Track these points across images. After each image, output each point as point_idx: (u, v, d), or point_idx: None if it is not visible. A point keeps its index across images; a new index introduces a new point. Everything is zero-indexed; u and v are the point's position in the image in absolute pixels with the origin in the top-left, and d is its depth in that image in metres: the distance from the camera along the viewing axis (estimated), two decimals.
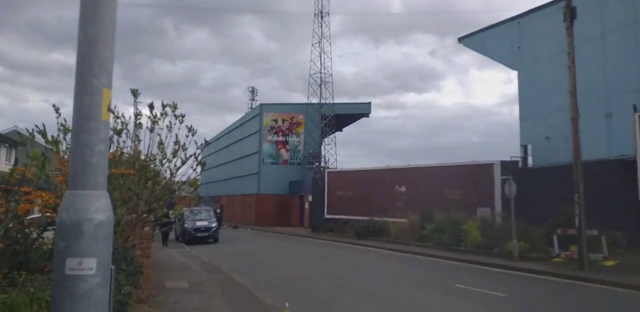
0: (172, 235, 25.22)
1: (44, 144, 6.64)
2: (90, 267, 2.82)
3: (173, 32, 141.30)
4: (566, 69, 16.58)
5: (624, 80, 22.00)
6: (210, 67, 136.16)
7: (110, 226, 3.02)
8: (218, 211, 37.06)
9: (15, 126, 35.21)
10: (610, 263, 14.40)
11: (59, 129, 6.87)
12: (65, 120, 7.10)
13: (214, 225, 26.58)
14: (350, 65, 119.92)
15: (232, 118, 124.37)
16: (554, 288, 11.98)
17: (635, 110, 18.32)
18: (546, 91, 25.60)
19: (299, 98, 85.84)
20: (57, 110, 6.96)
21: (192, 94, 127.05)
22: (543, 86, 25.89)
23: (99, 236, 2.89)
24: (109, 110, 3.16)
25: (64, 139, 6.92)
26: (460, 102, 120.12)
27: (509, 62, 29.26)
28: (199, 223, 25.21)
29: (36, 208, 6.02)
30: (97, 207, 2.92)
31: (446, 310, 9.02)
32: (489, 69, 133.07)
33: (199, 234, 25.48)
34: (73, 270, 2.80)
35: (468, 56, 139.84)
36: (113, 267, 3.02)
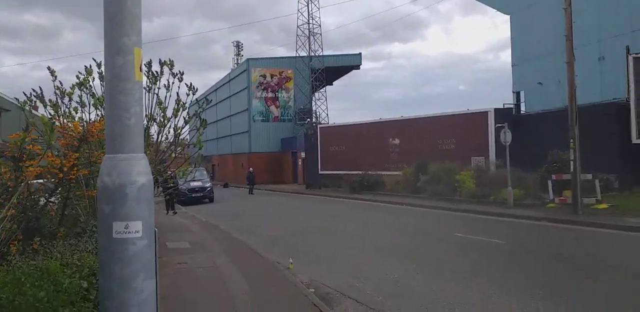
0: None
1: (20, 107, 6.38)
2: (136, 229, 2.85)
3: None
4: (560, 11, 16.10)
5: (617, 23, 21.55)
6: (188, 24, 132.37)
7: (151, 188, 3.01)
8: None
9: None
10: (603, 206, 14.64)
11: (55, 93, 6.61)
12: (61, 84, 6.82)
13: (208, 185, 26.58)
14: (333, 17, 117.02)
15: (215, 75, 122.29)
16: (550, 233, 12.17)
17: (628, 52, 18.06)
18: (539, 36, 25.12)
19: (283, 53, 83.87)
20: (52, 73, 6.64)
21: (172, 52, 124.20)
22: (536, 31, 25.35)
23: (142, 198, 2.89)
24: (141, 69, 3.04)
25: (62, 102, 6.69)
26: (446, 51, 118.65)
27: (502, 7, 28.48)
28: (193, 183, 25.16)
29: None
30: (138, 170, 2.90)
31: (449, 258, 9.13)
32: (474, 15, 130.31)
33: (193, 195, 25.50)
34: (120, 233, 2.83)
35: (452, 3, 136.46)
36: (156, 229, 3.02)
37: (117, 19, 2.90)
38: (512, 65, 27.89)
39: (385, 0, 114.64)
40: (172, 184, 9.70)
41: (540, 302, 6.21)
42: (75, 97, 7.10)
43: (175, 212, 19.33)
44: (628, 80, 17.51)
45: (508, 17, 28.15)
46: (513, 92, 27.67)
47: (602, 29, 22.18)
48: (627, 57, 17.75)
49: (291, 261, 8.84)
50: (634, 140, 17.16)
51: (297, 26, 43.16)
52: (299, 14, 43.27)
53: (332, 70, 44.15)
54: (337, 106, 78.70)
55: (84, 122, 7.11)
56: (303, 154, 34.90)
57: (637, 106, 17.24)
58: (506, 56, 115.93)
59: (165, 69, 7.23)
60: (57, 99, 6.82)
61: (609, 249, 10.10)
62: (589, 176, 15.17)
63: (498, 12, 29.17)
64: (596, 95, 20.92)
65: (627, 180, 16.98)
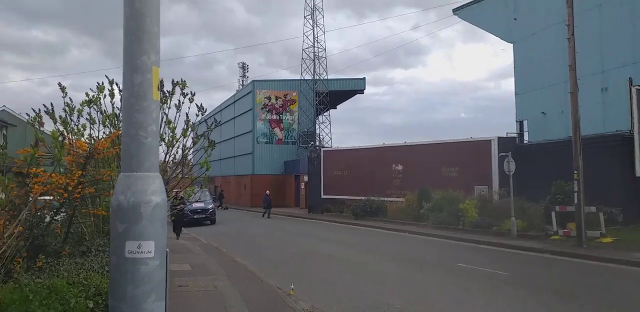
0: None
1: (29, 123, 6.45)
2: (149, 250, 2.85)
3: None
4: (563, 41, 16.33)
5: (620, 54, 21.80)
6: (192, 43, 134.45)
7: (165, 208, 3.02)
8: (212, 193, 36.63)
9: (4, 106, 34.47)
10: (607, 240, 14.51)
11: (64, 110, 6.68)
12: (71, 100, 6.91)
13: (210, 206, 26.50)
14: (335, 41, 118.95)
15: (219, 96, 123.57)
16: (554, 266, 12.04)
17: (631, 83, 18.22)
18: (542, 65, 25.36)
19: (287, 75, 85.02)
20: (63, 89, 6.73)
21: (176, 72, 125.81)
22: (539, 60, 25.62)
23: (156, 218, 2.90)
24: (158, 89, 3.07)
25: (70, 119, 6.76)
26: (447, 78, 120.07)
27: (505, 35, 28.86)
28: (195, 205, 25.09)
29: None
30: (153, 190, 2.91)
31: (452, 290, 9.02)
32: (475, 43, 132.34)
33: (195, 216, 25.39)
34: (133, 253, 2.82)
35: (453, 30, 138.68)
36: (167, 249, 3.02)
37: (136, 37, 2.95)
38: (515, 94, 28.08)
39: (386, 26, 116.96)
40: (179, 203, 9.67)
41: None
42: (85, 114, 7.18)
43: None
44: (631, 112, 17.60)
45: (509, 45, 28.50)
46: (516, 121, 27.79)
47: (605, 59, 22.43)
48: (630, 88, 17.90)
49: (292, 286, 8.77)
50: (638, 174, 17.15)
51: (303, 49, 43.71)
52: (304, 37, 43.86)
53: (336, 94, 44.47)
54: (339, 130, 79.35)
55: (92, 139, 7.17)
56: (306, 178, 34.87)
57: None
58: (507, 84, 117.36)
59: (177, 88, 7.32)
60: (66, 115, 6.89)
61: (612, 284, 9.98)
62: (593, 209, 15.09)
63: (499, 40, 29.54)
64: (599, 126, 21.01)
65: (631, 214, 16.89)
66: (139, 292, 2.83)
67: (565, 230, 15.50)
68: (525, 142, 25.58)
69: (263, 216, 30.77)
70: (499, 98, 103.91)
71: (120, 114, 6.50)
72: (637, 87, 17.72)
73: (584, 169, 14.76)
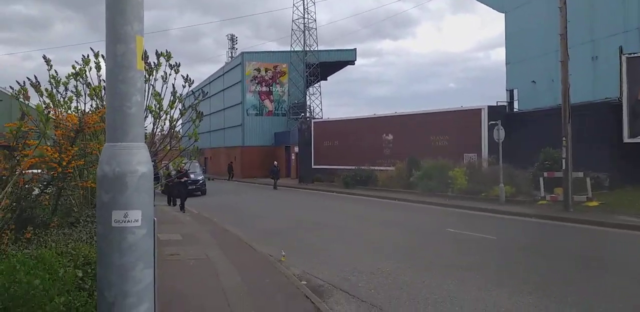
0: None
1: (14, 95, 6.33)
2: (136, 218, 2.85)
3: None
4: (554, 10, 16.19)
5: (610, 23, 21.67)
6: (177, 17, 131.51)
7: (151, 177, 3.01)
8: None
9: None
10: (594, 203, 14.80)
11: (50, 82, 6.55)
12: (56, 72, 6.77)
13: (200, 178, 26.52)
14: (323, 13, 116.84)
15: (206, 69, 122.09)
16: (541, 230, 12.29)
17: (621, 52, 18.20)
18: (533, 34, 25.21)
19: (275, 47, 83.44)
20: (47, 62, 6.58)
21: (162, 45, 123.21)
22: (530, 29, 25.44)
23: (142, 187, 2.89)
24: (142, 58, 3.01)
25: (57, 91, 6.63)
26: (436, 49, 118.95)
27: (497, 4, 28.52)
28: (192, 176, 25.03)
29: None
30: (138, 159, 2.90)
31: (441, 254, 9.20)
32: (464, 14, 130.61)
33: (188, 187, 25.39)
34: (119, 222, 2.83)
35: (442, 1, 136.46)
36: (155, 218, 3.01)
37: (119, 6, 2.88)
38: (506, 64, 27.98)
39: None
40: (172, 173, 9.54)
41: (530, 296, 6.30)
42: (70, 87, 7.06)
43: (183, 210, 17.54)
44: (621, 80, 17.66)
45: (498, 15, 28.23)
46: (506, 90, 27.79)
47: (596, 28, 22.31)
48: (620, 57, 17.90)
49: (283, 253, 8.88)
50: (625, 140, 17.34)
51: (292, 20, 43.00)
52: (294, 8, 43.06)
53: (327, 66, 44.05)
54: (330, 102, 79.01)
55: (80, 112, 7.08)
56: (296, 149, 34.88)
57: (629, 106, 17.41)
58: (496, 55, 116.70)
59: (162, 60, 7.19)
60: (52, 88, 6.77)
61: (598, 246, 10.23)
62: (580, 174, 15.31)
63: (488, 11, 29.21)
64: (589, 94, 21.06)
65: (617, 178, 17.15)
66: (126, 260, 2.84)
67: (553, 195, 15.76)
68: (515, 110, 25.64)
69: (274, 187, 29.73)
70: (488, 68, 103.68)
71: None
72: (627, 55, 17.71)
73: (573, 136, 14.89)
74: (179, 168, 8.12)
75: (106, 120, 3.00)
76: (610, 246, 10.17)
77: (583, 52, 22.06)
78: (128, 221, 2.84)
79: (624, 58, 17.68)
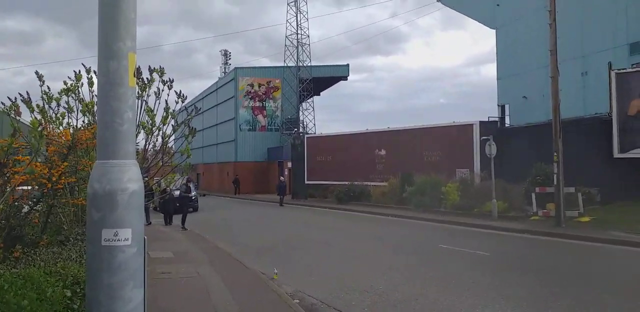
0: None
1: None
2: (126, 237, 2.82)
3: None
4: (545, 26, 16.43)
5: (600, 39, 22.03)
6: (171, 33, 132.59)
7: (142, 195, 2.98)
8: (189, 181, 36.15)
9: None
10: (585, 219, 14.84)
11: (42, 98, 6.54)
12: (49, 88, 6.77)
13: (192, 194, 26.33)
14: (315, 29, 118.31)
15: (198, 84, 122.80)
16: (534, 245, 12.29)
17: (610, 67, 18.46)
18: (524, 50, 25.56)
19: (267, 63, 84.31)
20: (40, 77, 6.57)
21: (154, 61, 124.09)
22: (521, 45, 25.81)
23: (132, 205, 2.87)
24: (135, 75, 3.02)
25: (50, 107, 6.62)
26: (427, 65, 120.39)
27: (487, 21, 28.95)
28: (176, 192, 24.90)
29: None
30: (129, 177, 2.88)
31: (434, 271, 9.15)
32: (454, 30, 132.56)
33: (177, 204, 25.21)
34: (109, 241, 2.80)
35: (431, 18, 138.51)
36: (145, 237, 2.99)
37: (113, 23, 2.89)
38: (497, 79, 28.29)
39: (366, 14, 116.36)
40: (159, 189, 9.45)
41: None
42: (62, 103, 7.05)
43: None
44: (610, 95, 17.88)
45: (488, 32, 28.67)
46: (498, 105, 28.04)
47: (586, 44, 22.67)
48: (609, 72, 18.15)
49: (276, 271, 8.80)
50: (616, 155, 17.48)
51: (286, 36, 43.33)
52: (288, 24, 43.47)
53: (320, 81, 44.29)
54: (323, 117, 79.40)
55: (71, 128, 7.05)
56: (289, 164, 34.85)
57: (619, 121, 17.60)
58: (486, 70, 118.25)
59: (155, 76, 7.20)
60: (44, 104, 6.75)
61: (590, 262, 10.22)
62: (572, 189, 15.39)
63: (479, 27, 29.76)
64: (579, 109, 21.30)
65: (608, 193, 17.24)
66: (116, 280, 2.81)
67: (545, 210, 15.80)
68: (506, 125, 25.84)
69: (280, 204, 28.24)
70: (478, 84, 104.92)
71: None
72: (616, 71, 17.97)
73: (564, 151, 15.00)
74: (181, 185, 8.07)
75: (97, 137, 3.00)
76: (602, 262, 10.17)
77: (573, 68, 22.37)
78: (118, 240, 2.81)
79: (613, 74, 17.93)
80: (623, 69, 18.25)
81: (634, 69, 18.31)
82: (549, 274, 8.71)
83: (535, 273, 8.84)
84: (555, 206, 14.83)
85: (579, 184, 15.75)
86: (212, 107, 49.39)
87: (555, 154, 14.92)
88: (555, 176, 14.91)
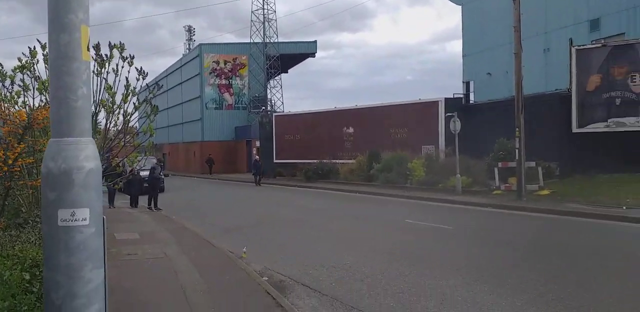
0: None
1: None
2: (83, 217, 2.74)
3: None
4: (509, 3, 16.59)
5: (561, 15, 22.41)
6: (132, 8, 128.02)
7: (99, 174, 2.89)
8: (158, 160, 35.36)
9: None
10: (545, 192, 15.36)
11: None
12: (2, 66, 6.45)
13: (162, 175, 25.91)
14: (281, 4, 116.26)
15: (162, 61, 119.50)
16: (496, 218, 12.68)
17: (571, 44, 18.84)
18: (489, 27, 25.78)
19: (232, 39, 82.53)
20: None
21: (115, 37, 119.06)
22: (486, 22, 26.00)
23: (90, 184, 2.78)
24: (89, 49, 2.88)
25: (3, 86, 6.32)
26: (394, 41, 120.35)
27: None
28: (142, 173, 24.47)
29: None
30: (86, 155, 2.78)
31: (399, 245, 9.35)
32: (420, 6, 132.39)
33: (145, 184, 24.80)
34: (66, 221, 2.72)
35: None
36: (105, 217, 2.91)
37: None
38: (462, 56, 28.55)
39: None
40: (121, 171, 9.18)
41: (485, 284, 6.48)
42: (17, 81, 6.75)
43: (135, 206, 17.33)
44: (570, 71, 18.32)
45: (454, 8, 28.77)
46: (463, 82, 28.39)
47: (548, 21, 23.02)
48: (570, 49, 18.54)
49: (244, 249, 8.82)
50: (574, 130, 18.04)
51: (252, 11, 42.37)
52: None
53: (287, 58, 43.65)
54: (291, 95, 78.80)
55: (28, 108, 6.78)
56: (258, 143, 34.62)
57: (578, 97, 18.10)
58: (451, 47, 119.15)
59: (115, 52, 6.94)
60: None
61: (548, 233, 10.64)
62: (533, 164, 15.85)
63: (445, 3, 29.80)
64: (542, 86, 21.77)
65: (567, 167, 17.85)
66: (74, 260, 2.74)
67: (507, 184, 16.26)
68: (471, 102, 26.23)
69: (256, 184, 27.35)
70: (444, 60, 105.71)
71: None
72: (576, 47, 18.35)
73: (526, 127, 15.36)
74: (128, 164, 7.85)
75: (50, 114, 2.88)
76: (558, 233, 10.60)
77: (536, 44, 22.74)
78: (75, 220, 2.74)
79: (573, 50, 18.31)
80: (583, 45, 18.66)
81: (594, 45, 18.75)
82: (510, 246, 9.02)
83: (496, 245, 9.14)
84: (517, 180, 15.27)
85: (539, 158, 16.22)
86: (177, 85, 48.23)
87: (517, 129, 15.27)
88: (517, 151, 15.30)
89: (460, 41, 28.98)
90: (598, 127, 17.79)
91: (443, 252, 8.58)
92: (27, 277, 3.96)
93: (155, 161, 18.42)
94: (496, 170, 16.68)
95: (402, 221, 12.34)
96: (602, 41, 19.59)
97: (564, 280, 6.63)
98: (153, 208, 16.53)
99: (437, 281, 6.71)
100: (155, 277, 7.10)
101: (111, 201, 17.05)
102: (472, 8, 27.37)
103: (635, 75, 17.41)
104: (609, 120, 17.67)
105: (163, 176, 25.26)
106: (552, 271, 7.14)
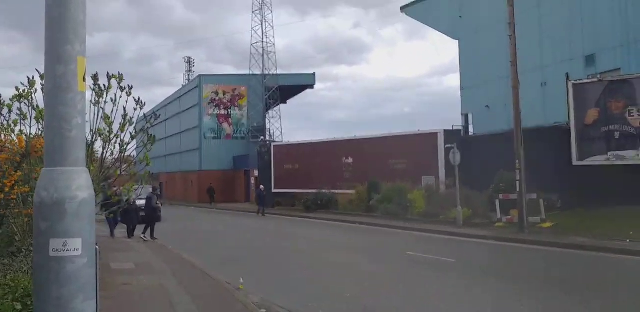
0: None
1: None
2: (75, 247, 2.70)
3: (89, 2, 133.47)
4: (506, 38, 16.87)
5: (557, 50, 22.84)
6: (131, 40, 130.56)
7: (93, 203, 2.87)
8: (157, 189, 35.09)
9: None
10: (547, 225, 15.19)
11: None
12: (0, 95, 6.46)
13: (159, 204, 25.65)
14: (280, 38, 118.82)
15: (160, 92, 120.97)
16: (498, 251, 12.47)
17: (568, 78, 19.07)
18: (486, 60, 26.17)
19: (231, 71, 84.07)
20: None
21: (114, 68, 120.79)
22: (483, 56, 26.43)
23: (82, 214, 2.75)
24: (85, 80, 2.90)
25: (1, 114, 6.31)
26: (391, 75, 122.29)
27: (450, 32, 29.58)
28: (139, 202, 24.23)
29: None
30: (78, 185, 2.76)
31: (400, 278, 9.14)
32: (416, 41, 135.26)
33: (142, 214, 24.49)
34: (58, 251, 2.68)
35: (393, 29, 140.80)
36: (97, 247, 2.88)
37: (60, 25, 2.78)
38: (460, 89, 28.86)
39: (329, 25, 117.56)
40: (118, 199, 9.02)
41: None
42: (15, 110, 6.73)
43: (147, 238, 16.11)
44: (568, 105, 18.46)
45: (450, 43, 29.38)
46: (462, 114, 28.58)
47: (544, 56, 23.42)
48: (567, 83, 18.76)
49: (242, 281, 8.59)
50: (574, 162, 18.01)
51: (251, 44, 43.17)
52: (253, 32, 43.33)
53: (286, 89, 44.19)
54: (289, 125, 79.26)
55: (24, 135, 6.73)
56: (256, 173, 34.51)
57: (577, 130, 18.16)
58: (448, 80, 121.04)
59: (114, 82, 6.96)
60: None
61: (551, 266, 10.41)
62: (534, 196, 15.72)
63: (441, 38, 30.49)
64: (540, 118, 21.90)
65: (568, 200, 17.71)
66: (65, 292, 2.67)
67: (508, 217, 16.07)
68: (470, 134, 26.33)
69: (258, 213, 26.79)
70: (441, 93, 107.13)
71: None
72: (573, 82, 18.58)
73: (526, 159, 15.34)
74: (124, 193, 7.72)
75: (44, 143, 2.88)
76: (562, 266, 10.39)
77: (533, 78, 23.03)
78: (67, 250, 2.69)
79: (570, 84, 18.52)
80: (580, 80, 18.89)
81: (590, 80, 18.98)
82: (512, 279, 8.82)
83: (498, 278, 8.93)
84: (518, 213, 15.11)
85: (540, 190, 16.10)
86: (175, 115, 48.54)
87: (517, 161, 15.24)
88: (517, 183, 15.22)
89: (458, 74, 29.41)
90: (598, 160, 17.76)
91: (445, 286, 8.36)
92: (19, 307, 3.83)
93: (151, 190, 18.08)
94: (497, 202, 16.54)
95: (404, 253, 12.11)
96: (598, 76, 19.84)
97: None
98: (150, 238, 16.16)
99: None
100: (150, 309, 6.86)
101: (112, 230, 16.63)
102: (469, 42, 27.89)
103: (632, 110, 17.52)
104: (608, 154, 17.66)
105: (160, 205, 24.94)
106: (558, 305, 6.93)
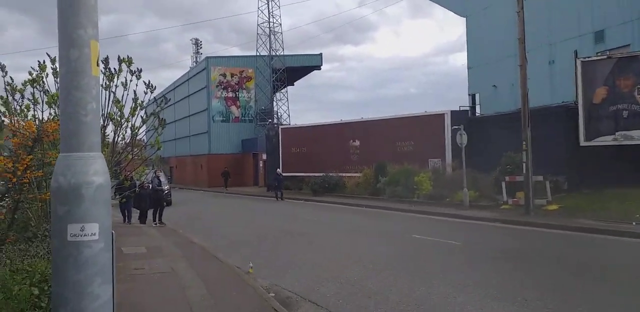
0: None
1: None
2: (93, 232, 2.76)
3: None
4: (513, 15, 16.63)
5: (565, 27, 22.44)
6: (137, 22, 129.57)
7: (109, 188, 2.93)
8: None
9: None
10: (553, 207, 15.23)
11: (6, 89, 6.31)
12: (12, 79, 6.53)
13: (165, 187, 25.92)
14: (285, 18, 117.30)
15: (168, 74, 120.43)
16: (504, 234, 12.56)
17: (576, 56, 18.80)
18: (494, 39, 25.83)
19: (238, 52, 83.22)
20: (2, 68, 6.34)
21: (121, 51, 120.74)
22: (491, 34, 26.06)
23: (99, 199, 2.80)
24: (98, 64, 2.93)
25: (13, 99, 6.39)
26: (397, 54, 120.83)
27: (458, 9, 29.15)
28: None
29: None
30: (95, 170, 2.80)
31: (408, 260, 9.28)
32: (422, 19, 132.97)
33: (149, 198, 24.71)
34: (75, 236, 2.74)
35: (398, 7, 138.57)
36: (113, 232, 2.93)
37: (72, 9, 2.81)
38: (467, 68, 28.57)
39: (335, 4, 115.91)
40: (129, 183, 9.14)
41: (497, 301, 6.41)
42: (27, 95, 6.83)
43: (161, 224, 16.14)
44: (576, 84, 18.25)
45: (456, 20, 29.01)
46: (469, 94, 28.37)
47: (552, 33, 23.05)
48: (575, 61, 18.50)
49: (251, 265, 8.79)
50: (582, 143, 17.91)
51: (258, 25, 42.76)
52: (259, 12, 42.84)
53: (293, 71, 43.93)
54: (296, 107, 79.00)
55: (37, 121, 6.85)
56: (264, 156, 34.65)
57: (584, 110, 18.01)
58: (454, 59, 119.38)
59: (124, 66, 7.00)
60: (7, 95, 6.53)
61: (557, 248, 10.51)
62: (540, 178, 15.73)
63: (446, 15, 30.06)
64: (547, 98, 21.70)
65: (575, 181, 17.69)
66: (83, 276, 2.75)
67: (515, 199, 16.13)
68: (477, 115, 26.19)
69: (277, 198, 26.00)
70: (448, 73, 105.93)
71: None
72: (581, 59, 18.31)
73: (532, 140, 15.29)
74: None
75: (60, 129, 2.91)
76: (567, 248, 10.47)
77: (541, 56, 22.74)
78: (85, 235, 2.75)
79: (578, 62, 18.26)
80: (588, 57, 18.62)
81: (599, 57, 18.70)
82: (518, 262, 8.93)
83: (505, 260, 9.05)
84: (525, 195, 15.16)
85: (547, 172, 16.09)
86: (184, 98, 48.57)
87: (524, 142, 15.21)
88: (524, 164, 15.22)
89: (464, 53, 29.09)
90: (606, 140, 17.65)
91: (451, 269, 8.49)
92: (36, 292, 3.96)
93: (153, 174, 17.95)
94: (503, 184, 16.58)
95: (410, 236, 12.26)
96: (607, 53, 19.56)
97: (574, 297, 6.54)
98: (158, 222, 16.28)
99: (446, 299, 6.64)
100: (162, 292, 7.07)
101: (129, 216, 16.33)
102: (477, 20, 27.47)
103: None
104: (616, 134, 17.54)
105: (165, 187, 25.02)
106: (563, 288, 7.05)
